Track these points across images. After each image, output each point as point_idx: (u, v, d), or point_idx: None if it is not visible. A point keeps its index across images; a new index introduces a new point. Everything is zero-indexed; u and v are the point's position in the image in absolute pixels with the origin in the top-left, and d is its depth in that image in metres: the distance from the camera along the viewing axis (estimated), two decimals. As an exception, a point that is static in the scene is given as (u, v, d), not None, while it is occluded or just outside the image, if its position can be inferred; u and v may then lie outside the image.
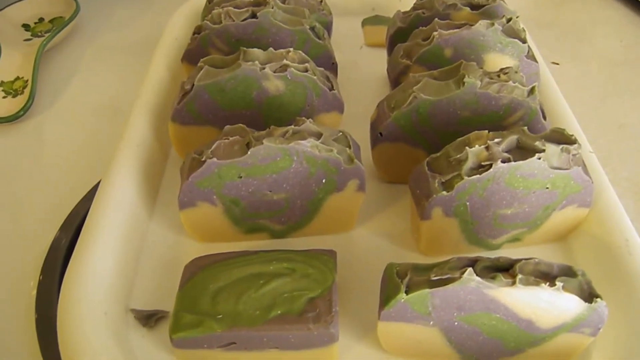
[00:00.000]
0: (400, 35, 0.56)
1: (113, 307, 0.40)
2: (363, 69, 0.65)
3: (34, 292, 0.46)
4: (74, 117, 0.64)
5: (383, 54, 0.62)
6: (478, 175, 0.39)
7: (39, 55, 0.67)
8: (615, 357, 0.38)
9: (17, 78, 0.67)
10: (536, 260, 0.35)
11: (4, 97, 0.65)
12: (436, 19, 0.52)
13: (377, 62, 0.64)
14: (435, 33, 0.51)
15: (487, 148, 0.40)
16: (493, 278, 0.34)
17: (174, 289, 0.40)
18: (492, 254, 0.40)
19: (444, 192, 0.40)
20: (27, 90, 0.65)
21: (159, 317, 0.41)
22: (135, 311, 0.41)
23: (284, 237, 0.47)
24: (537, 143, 0.40)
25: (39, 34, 0.74)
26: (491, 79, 0.45)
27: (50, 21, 0.76)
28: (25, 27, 0.76)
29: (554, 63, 0.70)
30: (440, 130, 0.46)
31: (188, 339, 0.37)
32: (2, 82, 0.67)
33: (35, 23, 0.76)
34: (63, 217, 0.51)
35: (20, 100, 0.64)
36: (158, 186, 0.52)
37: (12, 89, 0.66)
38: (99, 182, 0.48)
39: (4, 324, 0.44)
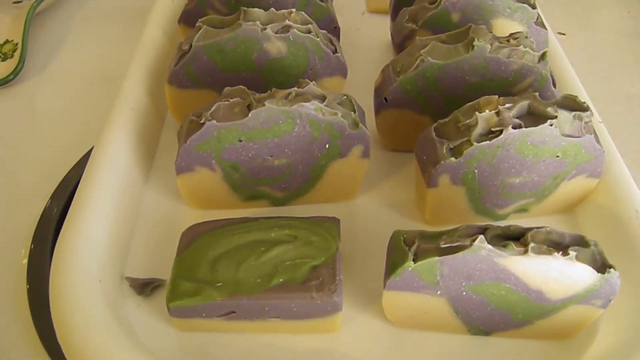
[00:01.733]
0: (405, -2, 0.55)
1: (108, 275, 0.39)
2: (365, 35, 0.64)
3: (25, 261, 0.44)
4: (65, 81, 0.62)
5: (386, 20, 0.60)
6: (488, 142, 0.38)
7: (29, 18, 0.65)
8: (623, 330, 0.37)
9: (7, 41, 0.65)
10: (548, 229, 0.34)
11: (-7, 61, 0.63)
12: (443, -18, 0.51)
13: (380, 29, 0.62)
14: (442, -4, 0.49)
15: (498, 113, 0.39)
16: (504, 246, 0.33)
17: (171, 257, 0.39)
18: (500, 224, 0.39)
19: (452, 159, 0.39)
20: (17, 54, 0.63)
21: (155, 285, 0.40)
22: (131, 279, 0.40)
23: (284, 205, 0.46)
24: (549, 109, 0.39)
25: (29, -4, 0.72)
26: (501, 43, 0.44)
27: (41, -17, 0.74)
28: (15, -11, 0.73)
29: (560, 34, 0.68)
30: (448, 96, 0.45)
31: (186, 307, 0.36)
32: (-9, 45, 0.65)
33: (24, -15, 0.74)
34: (54, 185, 0.50)
35: (10, 64, 0.62)
36: (154, 151, 0.50)
37: (1, 53, 0.64)
38: (91, 149, 0.47)
39: (-5, 292, 0.43)
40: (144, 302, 0.39)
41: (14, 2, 0.71)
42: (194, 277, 0.36)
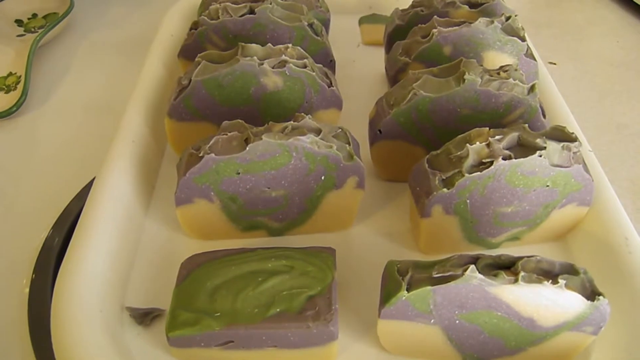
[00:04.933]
0: (399, 32, 0.56)
1: (108, 305, 0.39)
2: (360, 67, 0.65)
3: (27, 290, 0.45)
4: (67, 113, 0.63)
5: (380, 52, 0.61)
6: (479, 173, 0.39)
7: (32, 51, 0.67)
8: (615, 357, 0.37)
9: (10, 74, 0.66)
10: (538, 258, 0.35)
11: (-4, 93, 0.64)
12: (435, 16, 0.52)
13: (374, 61, 0.64)
14: (434, 30, 0.50)
15: (488, 145, 0.40)
16: (495, 275, 0.34)
17: (170, 287, 0.39)
18: (492, 253, 0.40)
19: (445, 190, 0.40)
20: (20, 86, 0.64)
21: (155, 315, 0.41)
22: (131, 309, 0.41)
23: (281, 235, 0.46)
24: (538, 140, 0.40)
25: (32, 29, 0.74)
26: (491, 76, 0.45)
27: (44, 17, 0.76)
28: (19, 22, 0.75)
29: (551, 63, 0.70)
30: (440, 127, 0.46)
31: (185, 337, 0.36)
32: (-5, 77, 0.66)
33: (28, 19, 0.75)
34: (56, 215, 0.50)
35: (13, 96, 0.63)
36: (154, 183, 0.51)
37: (4, 85, 0.65)
38: (92, 180, 0.48)
39: (-4, 322, 0.43)
40: (143, 332, 0.40)
41: (18, 35, 0.73)
42: (193, 307, 0.37)
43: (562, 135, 0.41)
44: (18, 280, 0.46)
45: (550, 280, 0.34)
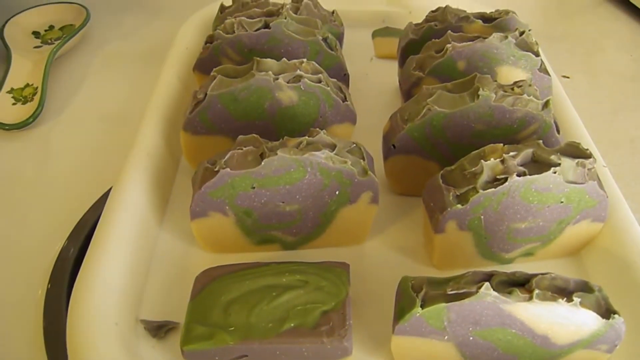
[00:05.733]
0: (413, 47, 0.56)
1: (123, 318, 0.40)
2: (374, 80, 0.65)
3: (42, 300, 0.45)
4: (83, 124, 0.64)
5: (394, 65, 0.62)
6: (493, 189, 0.39)
7: (49, 62, 0.68)
8: (630, 374, 0.37)
9: (27, 85, 0.67)
10: (552, 275, 0.35)
11: (13, 104, 0.65)
12: (449, 31, 0.52)
13: (388, 74, 0.64)
14: (448, 45, 0.50)
15: (503, 161, 0.40)
16: (510, 293, 0.34)
17: (184, 299, 0.39)
18: (505, 269, 0.40)
19: (459, 205, 0.40)
20: (36, 97, 0.64)
21: (169, 328, 0.41)
22: (145, 322, 0.41)
23: (295, 249, 0.47)
24: (553, 157, 0.40)
25: (49, 41, 0.74)
26: (505, 92, 0.45)
27: (61, 29, 0.76)
28: (36, 34, 0.76)
29: (564, 77, 0.70)
30: (454, 143, 0.46)
31: (199, 351, 0.36)
32: (12, 88, 0.66)
33: (45, 30, 0.76)
34: (71, 226, 0.51)
35: (30, 107, 0.64)
36: (168, 195, 0.51)
37: (21, 96, 0.66)
38: (107, 191, 0.48)
39: (12, 332, 0.44)
40: (158, 345, 0.40)
41: (35, 47, 0.73)
42: (208, 321, 0.37)
43: (577, 152, 0.41)
44: (33, 290, 0.46)
45: (565, 298, 0.34)
